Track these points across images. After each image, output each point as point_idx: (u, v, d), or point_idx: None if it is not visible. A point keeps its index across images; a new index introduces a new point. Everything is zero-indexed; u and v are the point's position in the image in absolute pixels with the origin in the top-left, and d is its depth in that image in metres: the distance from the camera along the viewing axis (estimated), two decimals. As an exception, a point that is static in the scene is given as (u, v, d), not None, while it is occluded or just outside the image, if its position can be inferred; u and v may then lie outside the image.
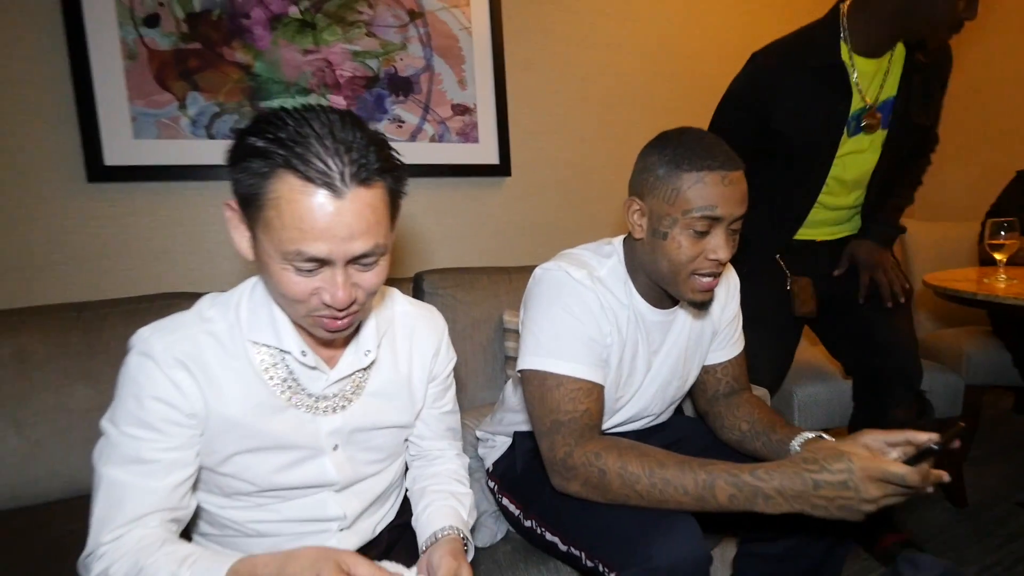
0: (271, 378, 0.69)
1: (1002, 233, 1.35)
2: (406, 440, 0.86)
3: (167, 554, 0.58)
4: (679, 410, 1.11)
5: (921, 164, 1.38)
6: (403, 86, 1.63)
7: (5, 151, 1.26)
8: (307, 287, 0.60)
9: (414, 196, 1.68)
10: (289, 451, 0.70)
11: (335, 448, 0.73)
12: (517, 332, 0.97)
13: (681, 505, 0.72)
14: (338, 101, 1.55)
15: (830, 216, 1.36)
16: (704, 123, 2.10)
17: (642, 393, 0.94)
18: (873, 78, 1.22)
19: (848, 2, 1.22)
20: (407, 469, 0.90)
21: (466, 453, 0.97)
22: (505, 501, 0.97)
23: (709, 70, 2.14)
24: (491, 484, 1.03)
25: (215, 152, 1.44)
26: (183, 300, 1.25)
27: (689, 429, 1.05)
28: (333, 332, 0.64)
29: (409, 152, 1.64)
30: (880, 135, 1.24)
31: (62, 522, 0.99)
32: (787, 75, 1.23)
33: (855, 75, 1.20)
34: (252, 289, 0.71)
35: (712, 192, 0.76)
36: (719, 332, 1.00)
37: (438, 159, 1.69)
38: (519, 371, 0.86)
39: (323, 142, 0.56)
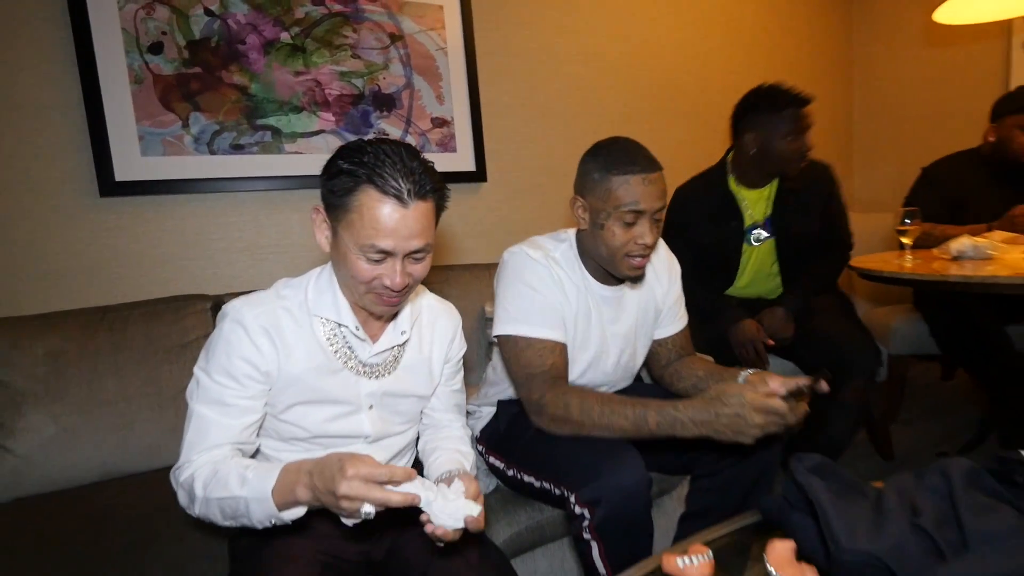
0: (331, 346, 0.87)
1: (907, 221, 1.59)
2: (422, 411, 1.03)
3: (236, 462, 0.77)
4: (638, 379, 1.30)
5: (831, 261, 1.73)
6: (386, 102, 1.79)
7: (25, 170, 1.38)
8: (372, 273, 0.78)
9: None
10: (335, 405, 0.88)
11: (371, 407, 0.91)
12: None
13: (624, 431, 0.92)
14: (328, 118, 1.71)
15: (762, 291, 1.79)
16: (656, 129, 2.35)
17: (604, 360, 1.12)
18: (756, 203, 1.67)
19: (731, 153, 1.71)
20: (419, 438, 1.07)
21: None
22: (492, 459, 1.15)
23: (662, 84, 2.36)
24: (480, 448, 1.21)
25: (216, 167, 1.58)
26: (196, 301, 1.40)
27: (647, 390, 1.24)
28: (387, 307, 0.83)
29: (393, 162, 1.80)
30: (770, 243, 1.69)
31: (97, 501, 1.12)
32: (697, 200, 1.71)
33: (744, 202, 1.67)
34: (319, 276, 0.89)
35: (636, 191, 0.96)
36: (663, 311, 1.20)
37: (420, 168, 1.85)
38: (495, 337, 1.05)
39: (395, 167, 0.75)
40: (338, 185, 0.76)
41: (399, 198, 0.74)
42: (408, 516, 0.75)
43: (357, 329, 0.87)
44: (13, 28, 1.36)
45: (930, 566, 0.52)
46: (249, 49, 1.60)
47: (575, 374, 1.11)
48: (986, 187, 1.84)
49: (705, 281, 1.70)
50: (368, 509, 0.66)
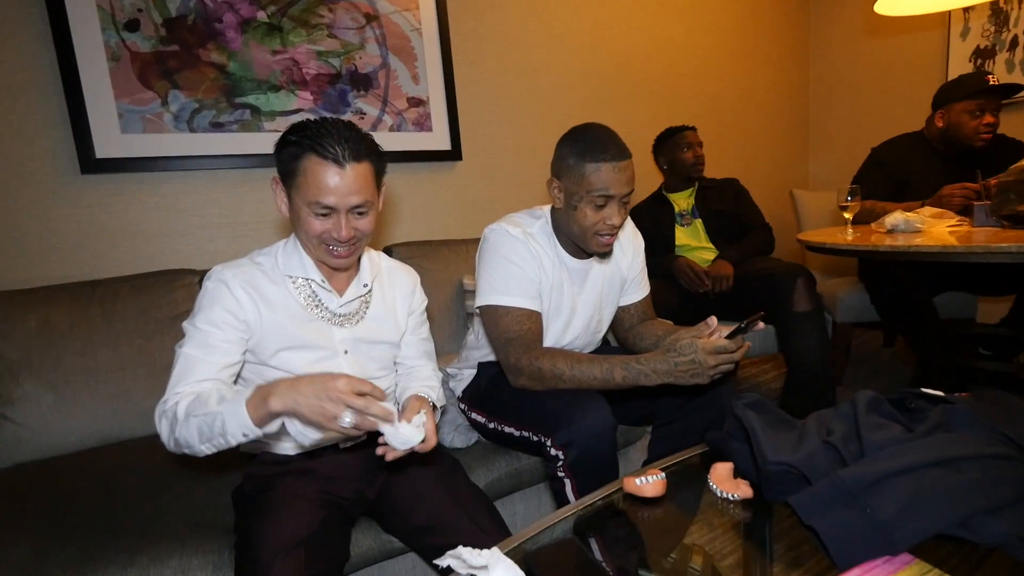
0: (302, 298, 0.99)
1: (849, 198, 1.74)
2: (395, 360, 1.13)
3: (218, 386, 0.87)
4: (605, 342, 1.42)
5: (758, 236, 2.18)
6: (363, 82, 1.84)
7: (4, 149, 1.39)
8: (322, 227, 0.92)
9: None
10: (315, 350, 0.99)
11: (346, 352, 1.02)
12: (474, 292, 1.24)
13: (592, 386, 1.04)
14: (306, 96, 1.74)
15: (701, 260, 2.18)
16: (622, 111, 2.46)
17: (573, 325, 1.24)
18: (680, 200, 2.24)
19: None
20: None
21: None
22: (474, 415, 1.26)
23: (627, 67, 2.46)
24: (462, 407, 1.31)
25: (196, 144, 1.61)
26: (185, 275, 1.45)
27: (613, 352, 1.36)
28: (339, 259, 0.96)
29: (371, 141, 1.86)
30: (699, 222, 2.20)
31: (95, 466, 1.18)
32: (645, 203, 2.30)
33: (671, 200, 2.24)
34: (286, 243, 1.02)
35: (606, 177, 1.06)
36: (628, 280, 1.31)
37: (397, 147, 1.91)
38: (477, 307, 1.15)
39: (333, 136, 0.89)
40: (287, 155, 0.89)
41: (336, 161, 0.87)
42: (398, 463, 0.89)
43: (323, 282, 0.99)
44: (-14, 3, 1.35)
45: (835, 471, 0.65)
46: (226, 27, 1.62)
47: (550, 338, 1.22)
48: (928, 167, 2.01)
49: (655, 252, 2.11)
50: (348, 419, 0.73)
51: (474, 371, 1.30)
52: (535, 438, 1.07)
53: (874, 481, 0.61)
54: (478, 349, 1.30)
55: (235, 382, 0.95)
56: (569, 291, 1.21)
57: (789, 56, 3.08)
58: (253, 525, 0.87)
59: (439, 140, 2.00)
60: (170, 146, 1.58)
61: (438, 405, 1.08)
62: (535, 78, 2.21)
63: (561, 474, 1.01)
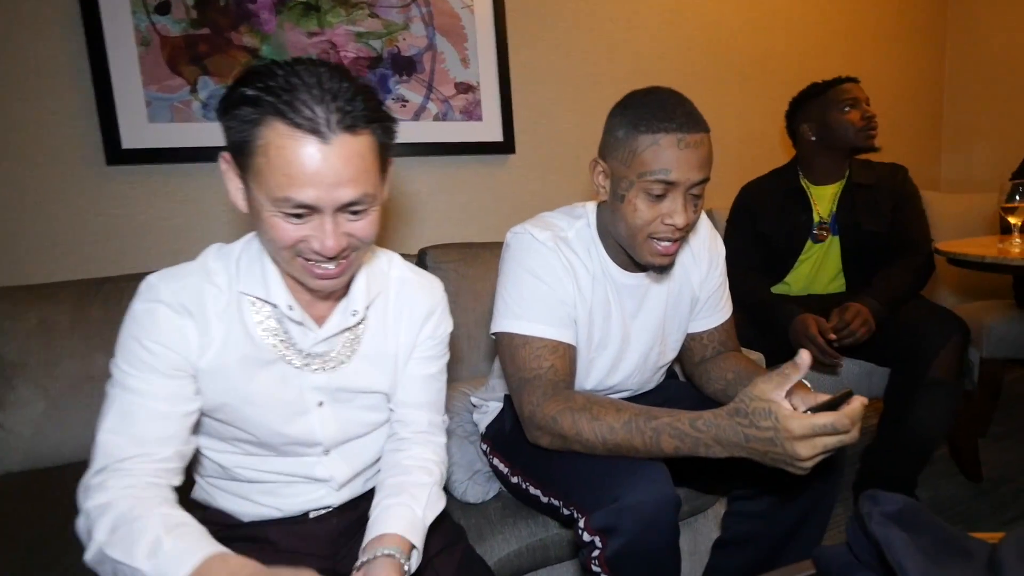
0: (264, 331, 0.71)
1: (1017, 197, 1.31)
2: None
3: (162, 518, 0.59)
4: (671, 373, 1.12)
5: (912, 267, 1.50)
6: (406, 66, 1.66)
7: (30, 138, 1.34)
8: (296, 234, 0.61)
9: (418, 174, 1.72)
10: (274, 406, 0.72)
11: (320, 405, 0.75)
12: None
13: (631, 455, 0.74)
14: (342, 82, 1.59)
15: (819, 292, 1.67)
16: (721, 98, 2.10)
17: (626, 361, 0.95)
18: (824, 199, 1.60)
19: (797, 156, 1.69)
20: None
21: (463, 418, 1.00)
22: (496, 461, 1.00)
23: (722, 45, 2.11)
24: (484, 447, 1.06)
25: (225, 134, 1.49)
26: (196, 274, 1.32)
27: (677, 391, 1.05)
28: (323, 281, 0.66)
29: (413, 131, 1.67)
30: (834, 243, 1.60)
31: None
32: (767, 193, 1.65)
33: (813, 197, 1.61)
34: (249, 243, 0.73)
35: (667, 155, 0.76)
36: (701, 300, 1.00)
37: (442, 137, 1.71)
38: (491, 334, 0.89)
39: (311, 91, 0.58)
40: (238, 119, 0.58)
41: (316, 131, 0.57)
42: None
43: (291, 309, 0.70)
44: (16, -13, 1.30)
45: None
46: (260, 8, 1.50)
47: (595, 380, 0.95)
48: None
49: (759, 276, 1.63)
50: None
51: (500, 405, 1.05)
52: (566, 510, 0.80)
53: None
54: (504, 379, 1.04)
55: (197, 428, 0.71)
56: (619, 316, 0.92)
57: (919, 34, 2.56)
58: None
59: (490, 131, 1.78)
60: (199, 136, 1.47)
61: (419, 542, 0.70)
62: (604, 61, 1.92)
63: (596, 568, 0.73)
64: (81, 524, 0.61)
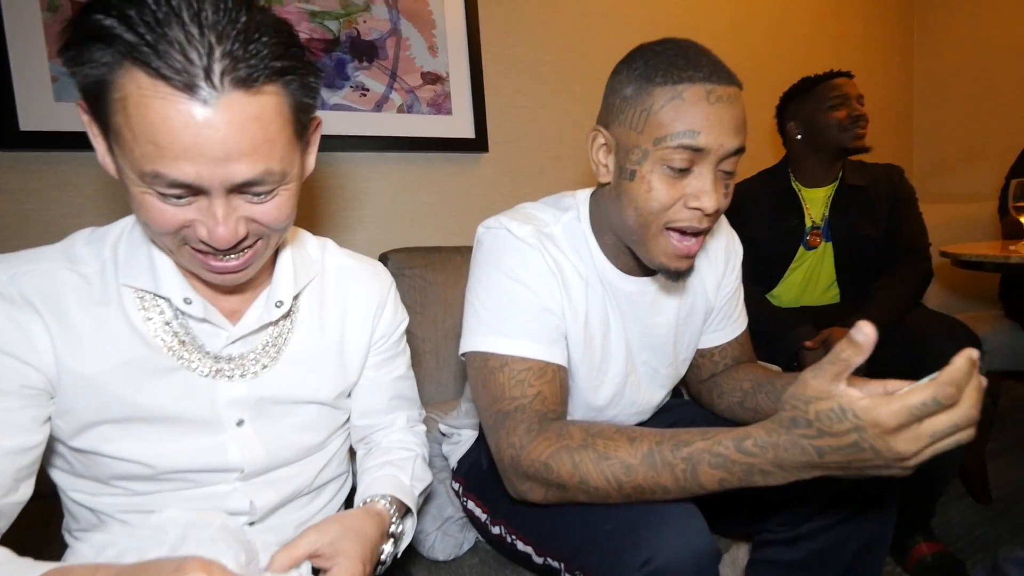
0: (155, 332, 0.55)
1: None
2: (346, 421, 0.70)
3: None
4: (675, 392, 0.96)
5: (909, 274, 1.40)
6: (367, 51, 1.48)
7: (-101, 112, 1.10)
8: (176, 218, 0.48)
9: (379, 171, 1.54)
10: (174, 425, 0.55)
11: (239, 424, 0.58)
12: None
13: (663, 492, 0.56)
14: (293, 65, 1.40)
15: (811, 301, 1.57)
16: None
17: (629, 387, 0.78)
18: (816, 203, 1.50)
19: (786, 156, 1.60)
20: (354, 455, 0.75)
21: (429, 451, 0.82)
22: (471, 505, 0.81)
23: (706, 37, 2.01)
24: (455, 486, 0.87)
25: (152, 119, 1.28)
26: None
27: (685, 412, 0.89)
28: (224, 276, 0.51)
29: (375, 123, 1.50)
30: (827, 250, 1.50)
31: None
32: (757, 195, 1.54)
33: (805, 201, 1.51)
34: (133, 224, 0.56)
35: (693, 112, 0.60)
36: (716, 309, 0.85)
37: (406, 131, 1.54)
38: (461, 355, 0.71)
39: (186, 28, 0.42)
40: (84, 59, 0.43)
41: (191, 86, 0.42)
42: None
43: (189, 303, 0.55)
44: None
45: None
46: (196, -23, 1.31)
47: (596, 408, 0.77)
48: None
49: (752, 284, 1.48)
50: None
51: (475, 434, 0.87)
52: (567, 574, 0.62)
53: None
54: (477, 412, 0.86)
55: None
56: (620, 331, 0.75)
57: (889, 39, 2.57)
58: None
59: (460, 126, 1.62)
60: (118, 120, 1.26)
61: (412, 505, 0.64)
62: (585, 52, 1.80)
63: None
64: None
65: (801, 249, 1.50)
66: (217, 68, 0.43)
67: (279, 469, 0.62)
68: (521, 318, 0.67)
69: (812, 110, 1.46)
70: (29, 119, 1.18)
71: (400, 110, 1.53)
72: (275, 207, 0.51)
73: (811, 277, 1.52)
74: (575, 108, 1.78)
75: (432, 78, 1.57)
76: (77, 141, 1.22)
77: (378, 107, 1.51)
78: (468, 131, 1.62)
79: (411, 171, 1.58)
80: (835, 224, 1.47)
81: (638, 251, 0.70)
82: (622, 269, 0.75)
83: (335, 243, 0.72)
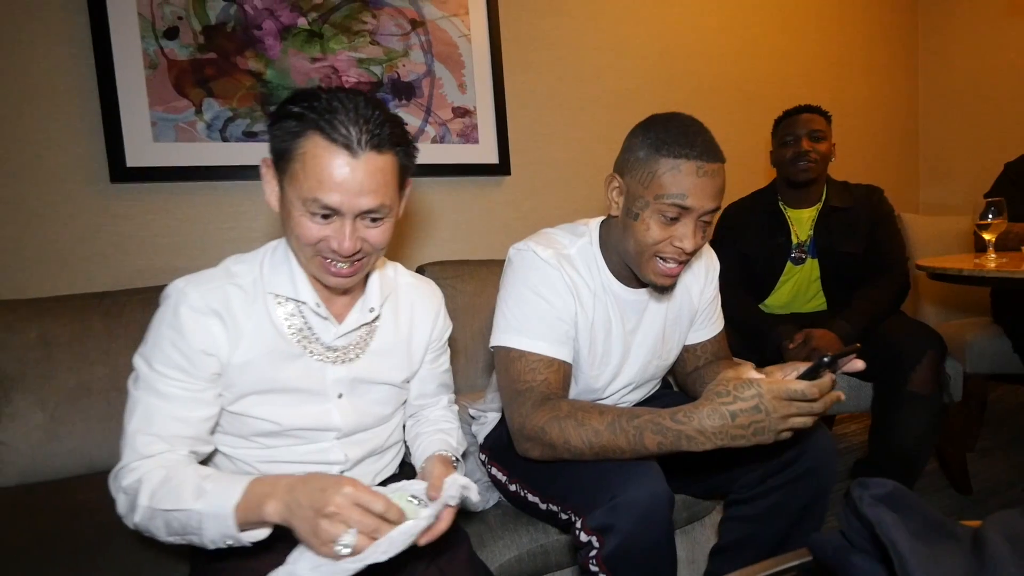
0: (289, 328, 0.77)
1: (990, 216, 1.37)
2: (405, 400, 0.93)
3: (195, 470, 0.67)
4: (665, 384, 1.14)
5: (886, 286, 1.55)
6: (405, 91, 1.71)
7: (36, 154, 1.37)
8: (318, 233, 0.70)
9: (417, 194, 1.76)
10: (297, 395, 0.78)
11: (340, 396, 0.81)
12: None
13: (618, 457, 0.77)
14: (343, 105, 1.64)
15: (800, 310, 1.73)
16: (710, 117, 2.10)
17: (625, 372, 0.98)
18: (802, 222, 1.67)
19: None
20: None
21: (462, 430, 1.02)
22: (494, 471, 1.02)
23: (708, 71, 2.20)
24: (482, 457, 1.08)
25: (228, 154, 1.53)
26: (196, 289, 1.33)
27: (672, 400, 1.08)
28: (337, 279, 0.73)
29: (411, 153, 1.72)
30: (813, 264, 1.66)
31: (80, 495, 1.05)
32: (748, 214, 1.72)
33: (791, 220, 1.67)
34: (274, 249, 0.80)
35: (686, 181, 0.79)
36: (699, 313, 1.04)
37: (440, 159, 1.76)
38: (491, 348, 0.92)
39: (348, 113, 0.68)
40: (283, 130, 0.69)
41: (348, 147, 0.67)
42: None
43: (318, 306, 0.77)
44: (29, 11, 1.35)
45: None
46: (265, 35, 1.56)
47: (595, 391, 0.98)
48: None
49: (745, 292, 1.68)
50: (348, 540, 0.57)
51: (498, 416, 1.07)
52: (563, 515, 0.81)
53: None
54: (499, 391, 1.07)
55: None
56: (620, 330, 0.95)
57: (893, 60, 2.70)
58: None
59: (486, 153, 1.83)
60: (202, 155, 1.51)
61: (459, 457, 0.87)
62: (595, 86, 2.00)
63: (595, 568, 0.74)
64: (121, 502, 0.69)
65: (789, 264, 1.65)
66: (363, 139, 0.67)
67: (363, 432, 0.84)
68: (539, 324, 0.87)
69: (775, 144, 1.69)
70: (133, 156, 1.44)
71: (434, 140, 1.76)
72: (380, 232, 0.73)
73: (799, 289, 1.68)
74: (586, 136, 1.99)
75: (461, 112, 1.79)
76: (169, 175, 1.48)
77: (415, 139, 1.72)
78: (492, 157, 1.84)
79: (444, 193, 1.80)
80: (819, 242, 1.63)
81: (635, 269, 0.90)
82: (623, 282, 0.95)
83: (401, 265, 0.94)
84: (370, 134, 0.67)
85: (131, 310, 1.25)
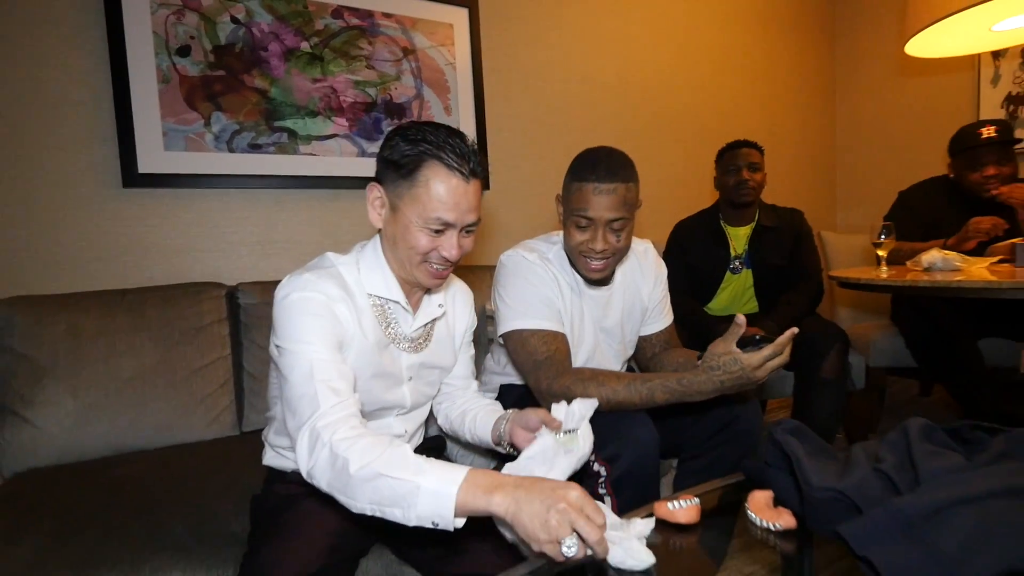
0: (380, 321, 0.92)
1: (882, 236, 1.70)
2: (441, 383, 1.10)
3: (401, 448, 0.69)
4: (630, 369, 1.38)
5: (804, 292, 1.89)
6: (397, 111, 1.89)
7: (53, 161, 1.45)
8: (432, 244, 0.85)
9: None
10: (385, 379, 0.93)
11: (410, 379, 0.97)
12: (495, 317, 1.22)
13: (632, 409, 1.00)
14: (341, 123, 1.80)
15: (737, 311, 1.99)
16: (649, 148, 2.48)
17: (599, 353, 1.20)
18: (739, 238, 1.96)
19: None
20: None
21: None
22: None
23: (655, 106, 2.50)
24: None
25: (234, 164, 1.66)
26: (211, 288, 1.46)
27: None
28: (437, 280, 0.90)
29: (401, 167, 1.90)
30: (748, 273, 1.96)
31: (108, 475, 1.15)
32: (694, 231, 2.01)
33: (730, 237, 1.96)
34: (359, 254, 0.93)
35: (585, 198, 1.04)
36: (649, 309, 1.28)
37: (426, 174, 1.94)
38: (501, 335, 1.12)
39: (456, 148, 0.83)
40: (404, 161, 0.82)
41: (463, 174, 0.82)
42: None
43: (406, 303, 0.92)
44: (49, 26, 1.44)
45: (888, 499, 0.60)
46: (271, 56, 1.70)
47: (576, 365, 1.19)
48: (957, 211, 1.96)
49: (691, 298, 1.97)
50: (572, 542, 0.58)
51: (495, 394, 1.27)
52: None
53: (934, 511, 0.56)
54: (498, 374, 1.28)
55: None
56: (590, 320, 1.18)
57: (816, 101, 3.11)
58: (263, 547, 0.80)
59: (467, 169, 2.03)
60: (209, 164, 1.63)
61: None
62: (565, 114, 2.25)
63: (603, 491, 0.96)
64: (322, 456, 0.70)
65: (728, 273, 1.95)
66: (468, 167, 0.83)
67: (416, 409, 1.01)
68: (538, 306, 1.09)
69: (719, 172, 1.95)
70: (145, 164, 1.54)
71: (421, 157, 1.94)
72: (470, 241, 0.89)
73: (736, 294, 1.99)
74: (557, 156, 2.23)
75: (446, 131, 1.98)
76: (178, 181, 1.59)
77: (404, 154, 1.91)
78: (473, 173, 2.04)
79: (429, 205, 1.98)
80: (752, 256, 1.93)
81: (574, 265, 1.13)
82: (587, 281, 1.18)
83: None
84: (472, 163, 0.83)
85: (152, 305, 1.36)
